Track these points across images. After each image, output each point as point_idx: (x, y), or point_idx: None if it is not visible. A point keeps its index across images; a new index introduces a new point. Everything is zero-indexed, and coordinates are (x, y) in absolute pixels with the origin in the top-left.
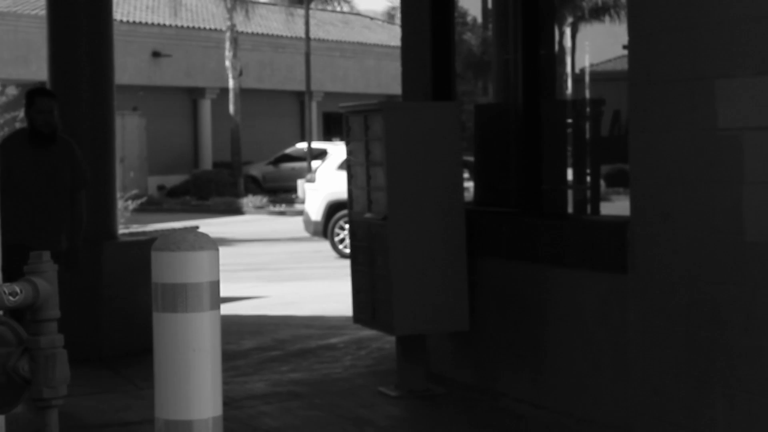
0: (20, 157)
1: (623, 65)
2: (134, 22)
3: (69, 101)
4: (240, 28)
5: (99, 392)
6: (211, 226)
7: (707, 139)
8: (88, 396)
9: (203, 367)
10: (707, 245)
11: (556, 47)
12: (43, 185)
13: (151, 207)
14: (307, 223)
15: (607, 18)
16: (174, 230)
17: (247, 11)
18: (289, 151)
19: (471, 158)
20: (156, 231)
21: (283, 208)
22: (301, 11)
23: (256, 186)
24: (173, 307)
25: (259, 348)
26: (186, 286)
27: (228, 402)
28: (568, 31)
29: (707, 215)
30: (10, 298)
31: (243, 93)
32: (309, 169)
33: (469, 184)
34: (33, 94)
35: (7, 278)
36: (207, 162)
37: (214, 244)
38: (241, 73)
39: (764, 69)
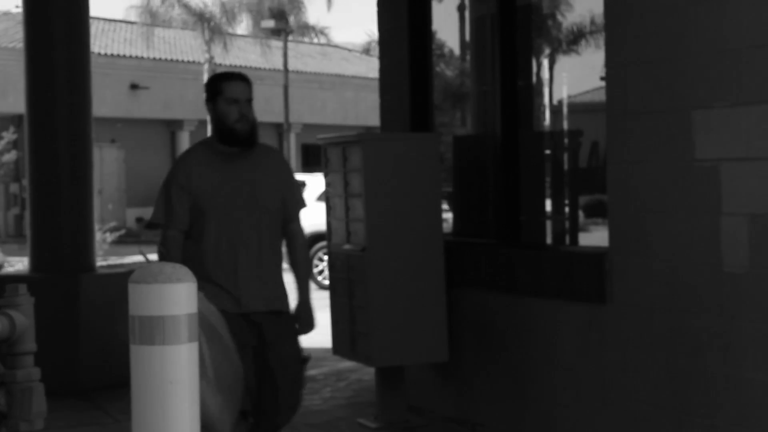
0: (205, 177)
1: (601, 96)
2: (112, 55)
3: (46, 133)
4: (218, 60)
5: (76, 425)
6: None
7: (685, 170)
8: (66, 429)
9: (181, 399)
10: (685, 275)
11: (534, 79)
12: (240, 215)
13: (129, 239)
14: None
15: (584, 49)
16: (152, 262)
17: (225, 43)
18: None
19: (450, 189)
20: (134, 263)
21: None
22: (279, 43)
23: None
24: (150, 339)
25: None
26: (163, 318)
27: None
28: (545, 62)
29: (685, 246)
30: None
31: None
32: None
33: (448, 215)
34: (219, 79)
35: None
36: None
37: (191, 276)
38: None
39: (741, 100)
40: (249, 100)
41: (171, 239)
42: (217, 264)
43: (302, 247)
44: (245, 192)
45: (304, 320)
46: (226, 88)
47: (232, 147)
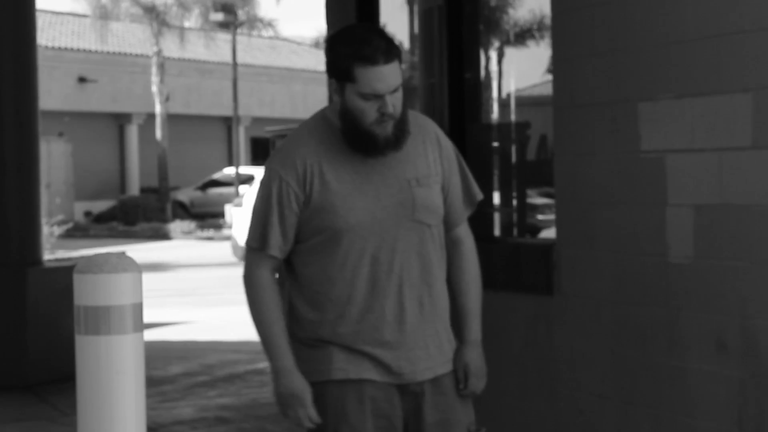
0: (331, 180)
1: (548, 89)
2: (60, 48)
3: None
4: (166, 53)
5: (23, 419)
6: (139, 251)
7: (631, 162)
8: (13, 423)
9: (126, 390)
10: (632, 267)
11: (482, 71)
12: (390, 237)
13: (77, 233)
14: (235, 248)
15: (532, 42)
16: (98, 254)
17: (181, 37)
18: (216, 176)
19: None
20: (82, 257)
21: (211, 233)
22: (228, 36)
23: (184, 211)
24: (96, 329)
25: (186, 373)
26: (109, 308)
27: (155, 428)
28: (493, 55)
29: (631, 237)
30: None
31: (170, 118)
32: (237, 194)
33: None
34: (350, 57)
35: None
36: (134, 187)
37: (137, 266)
38: (168, 99)
39: (686, 92)
40: (395, 90)
41: (266, 273)
42: (355, 314)
43: (473, 264)
44: (395, 202)
45: (474, 371)
46: (362, 77)
47: (367, 155)
